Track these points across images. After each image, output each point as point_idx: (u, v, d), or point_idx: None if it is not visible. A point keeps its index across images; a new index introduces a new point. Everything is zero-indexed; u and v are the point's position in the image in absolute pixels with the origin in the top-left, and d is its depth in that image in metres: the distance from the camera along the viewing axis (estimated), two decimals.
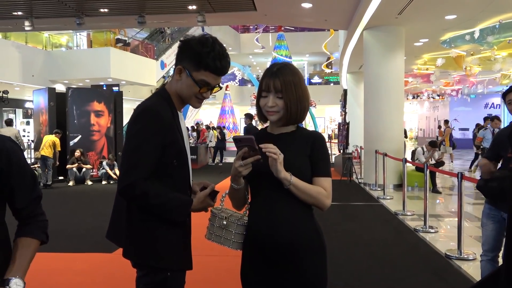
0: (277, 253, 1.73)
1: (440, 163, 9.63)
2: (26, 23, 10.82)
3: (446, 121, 15.64)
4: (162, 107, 1.80)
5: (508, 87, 3.36)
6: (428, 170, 6.18)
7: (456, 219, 4.97)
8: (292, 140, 1.80)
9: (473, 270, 4.34)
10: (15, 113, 23.77)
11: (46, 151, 10.52)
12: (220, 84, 1.88)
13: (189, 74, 1.78)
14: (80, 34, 21.11)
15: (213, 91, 1.88)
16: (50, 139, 10.63)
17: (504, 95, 3.32)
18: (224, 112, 27.93)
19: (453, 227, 6.14)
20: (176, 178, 1.83)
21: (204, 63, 1.76)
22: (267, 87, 1.75)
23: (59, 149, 10.77)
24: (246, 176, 1.75)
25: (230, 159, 16.70)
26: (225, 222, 1.81)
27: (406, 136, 15.88)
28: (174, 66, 1.90)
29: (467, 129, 29.19)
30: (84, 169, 11.10)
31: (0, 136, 1.46)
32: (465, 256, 4.76)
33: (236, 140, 1.70)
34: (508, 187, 2.95)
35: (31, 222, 1.52)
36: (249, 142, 1.67)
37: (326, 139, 26.93)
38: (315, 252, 1.77)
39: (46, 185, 10.44)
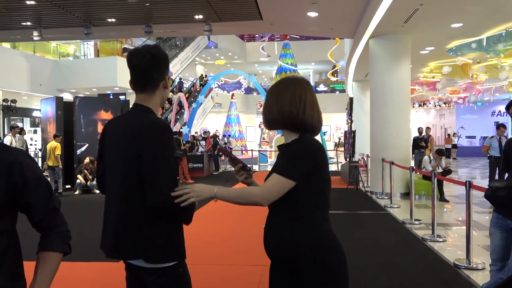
0: (279, 266, 1.82)
1: (447, 171, 9.57)
2: (35, 33, 10.94)
3: (428, 128, 15.16)
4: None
5: (508, 102, 3.35)
6: (435, 178, 6.15)
7: (464, 227, 4.93)
8: (283, 151, 1.86)
9: (482, 280, 4.29)
10: (22, 122, 23.96)
11: (51, 161, 10.60)
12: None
13: (168, 79, 2.04)
14: (87, 44, 21.31)
15: None
16: (52, 146, 10.71)
17: (508, 107, 3.31)
18: (230, 120, 27.97)
19: (461, 236, 6.09)
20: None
21: (168, 66, 2.05)
22: None
23: (59, 153, 10.83)
24: None
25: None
26: None
27: (427, 145, 13.64)
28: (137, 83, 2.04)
29: (474, 137, 29.06)
30: (89, 182, 11.11)
31: (14, 149, 1.47)
32: (474, 266, 4.72)
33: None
34: None
35: (51, 234, 1.53)
36: (224, 153, 1.84)
37: (333, 147, 26.39)
38: (315, 269, 1.76)
39: (58, 193, 10.52)
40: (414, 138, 13.72)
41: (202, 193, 1.74)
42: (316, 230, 1.78)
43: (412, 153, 13.49)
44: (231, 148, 22.79)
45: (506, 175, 3.41)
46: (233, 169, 1.89)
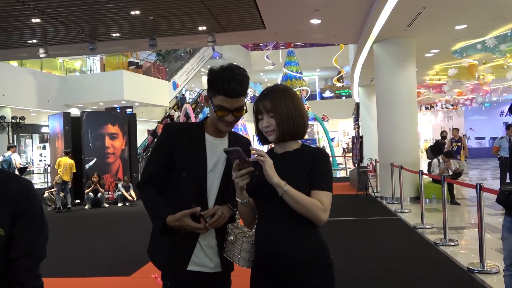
0: (279, 271, 1.75)
1: (457, 174, 9.47)
2: (41, 50, 11.06)
3: (456, 130, 13.29)
4: (180, 125, 2.16)
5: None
6: (445, 181, 6.09)
7: (477, 230, 4.86)
8: (295, 158, 1.82)
9: (497, 284, 4.22)
10: (31, 138, 24.17)
11: (67, 176, 10.65)
12: (245, 107, 1.97)
13: (211, 101, 1.95)
14: (93, 59, 21.51)
15: (239, 114, 1.96)
16: (69, 163, 10.72)
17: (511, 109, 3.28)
18: (236, 129, 27.96)
19: (474, 240, 6.00)
20: (183, 190, 1.99)
21: (215, 89, 1.90)
22: (259, 109, 1.84)
23: (75, 170, 10.92)
24: (250, 192, 1.83)
25: None
26: (232, 238, 1.90)
27: (457, 151, 11.86)
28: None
29: (483, 138, 28.83)
30: (100, 194, 11.13)
31: (24, 180, 1.40)
32: (488, 270, 4.64)
33: (226, 152, 1.76)
34: None
35: None
36: (237, 154, 1.71)
37: (341, 153, 26.33)
38: (318, 271, 1.75)
39: (67, 208, 10.61)
40: (438, 142, 12.92)
41: (272, 173, 1.69)
42: (319, 234, 1.81)
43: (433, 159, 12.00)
44: None
45: None
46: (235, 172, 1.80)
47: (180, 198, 1.97)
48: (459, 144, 12.54)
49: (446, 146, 12.38)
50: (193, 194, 1.97)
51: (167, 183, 2.00)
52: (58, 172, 10.68)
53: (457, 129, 13.23)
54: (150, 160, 2.06)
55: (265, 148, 2.11)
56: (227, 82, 1.86)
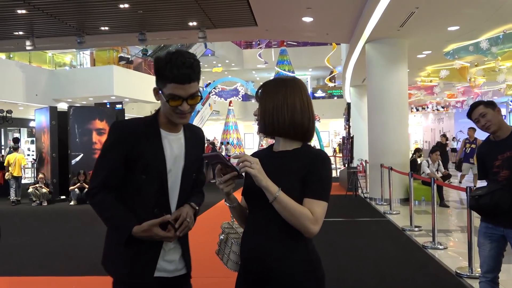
0: (264, 281, 1.62)
1: (446, 176, 9.44)
2: (27, 42, 10.83)
3: (472, 129, 11.61)
4: (132, 123, 1.86)
5: (469, 109, 3.25)
6: (435, 183, 6.02)
7: (466, 234, 4.79)
8: (291, 159, 1.66)
9: None
10: (19, 132, 23.84)
11: (18, 171, 11.24)
12: (199, 93, 1.78)
13: (161, 92, 1.76)
14: (83, 53, 21.24)
15: (194, 101, 1.78)
16: (17, 158, 11.19)
17: (469, 116, 3.22)
18: (228, 127, 27.90)
19: (462, 243, 5.95)
20: (144, 194, 1.82)
21: (165, 77, 1.72)
22: (256, 97, 1.76)
23: (25, 163, 11.62)
24: (243, 193, 1.74)
25: None
26: (222, 237, 1.80)
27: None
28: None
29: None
30: (86, 190, 10.96)
31: None
32: (477, 274, 4.53)
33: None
34: (502, 199, 2.86)
35: None
36: (217, 159, 1.61)
37: (331, 153, 26.39)
38: (307, 284, 1.61)
39: (17, 200, 11.10)
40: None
41: (261, 175, 1.54)
42: (310, 244, 1.67)
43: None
44: (229, 156, 22.66)
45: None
46: (213, 178, 1.72)
47: (141, 203, 1.82)
48: (473, 146, 11.13)
49: (459, 147, 11.60)
50: (155, 197, 1.83)
51: (125, 187, 1.82)
52: (10, 169, 11.18)
53: (474, 129, 11.17)
54: (101, 163, 1.83)
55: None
56: (176, 67, 1.69)
